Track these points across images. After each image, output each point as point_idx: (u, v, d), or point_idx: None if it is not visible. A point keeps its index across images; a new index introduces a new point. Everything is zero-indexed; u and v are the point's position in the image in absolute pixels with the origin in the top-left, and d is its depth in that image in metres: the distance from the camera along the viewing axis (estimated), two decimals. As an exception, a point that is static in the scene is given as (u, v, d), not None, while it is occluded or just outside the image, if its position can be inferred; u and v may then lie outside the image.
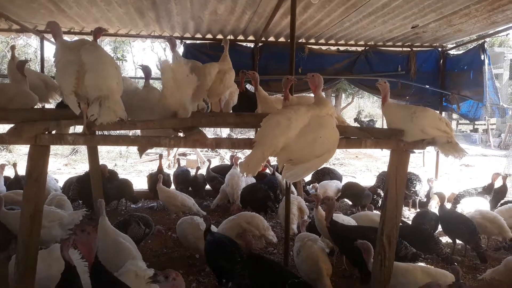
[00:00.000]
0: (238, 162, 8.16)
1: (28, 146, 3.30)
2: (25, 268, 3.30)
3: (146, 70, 5.16)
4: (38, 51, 11.96)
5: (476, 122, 20.30)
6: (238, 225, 5.30)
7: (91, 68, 3.06)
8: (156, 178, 7.36)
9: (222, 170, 8.63)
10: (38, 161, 3.32)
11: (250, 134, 16.05)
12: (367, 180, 10.74)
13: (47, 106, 5.86)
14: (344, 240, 4.42)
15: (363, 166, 14.91)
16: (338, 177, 8.81)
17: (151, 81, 4.83)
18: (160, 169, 8.01)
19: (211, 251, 4.38)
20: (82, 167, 12.69)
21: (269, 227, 5.61)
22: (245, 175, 6.23)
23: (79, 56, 3.08)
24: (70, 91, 3.07)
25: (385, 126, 4.06)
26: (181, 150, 14.11)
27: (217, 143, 3.54)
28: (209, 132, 16.47)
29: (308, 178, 8.64)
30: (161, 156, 8.73)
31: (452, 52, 9.37)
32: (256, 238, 5.38)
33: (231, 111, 5.75)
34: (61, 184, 8.04)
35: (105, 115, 3.01)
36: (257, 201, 6.68)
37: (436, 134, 3.45)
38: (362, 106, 32.34)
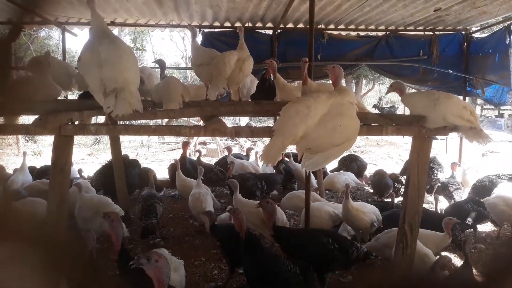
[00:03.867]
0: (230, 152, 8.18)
1: (53, 136, 3.38)
2: (52, 257, 3.41)
3: (160, 63, 5.30)
4: (60, 42, 12.15)
5: (502, 107, 19.78)
6: (259, 212, 5.32)
7: (107, 61, 3.13)
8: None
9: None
10: (62, 151, 3.40)
11: (269, 122, 16.03)
12: (388, 167, 10.61)
13: (70, 96, 5.98)
14: (293, 245, 4.08)
15: (384, 153, 14.74)
16: (364, 165, 8.71)
17: (170, 71, 4.88)
18: (184, 156, 7.95)
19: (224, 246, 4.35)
20: (104, 156, 12.93)
21: (287, 222, 5.54)
22: (265, 164, 6.23)
23: (99, 55, 3.14)
24: (98, 90, 3.14)
25: (406, 112, 4.01)
26: (201, 139, 14.22)
27: (237, 132, 3.56)
28: (228, 121, 16.53)
29: (334, 165, 8.55)
30: (186, 143, 8.56)
31: (476, 35, 9.09)
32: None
33: (250, 99, 5.76)
34: (85, 174, 8.23)
35: (121, 107, 3.06)
36: (246, 189, 6.68)
37: (459, 123, 3.38)
38: (383, 92, 31.83)
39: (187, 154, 8.29)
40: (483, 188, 6.85)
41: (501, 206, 5.63)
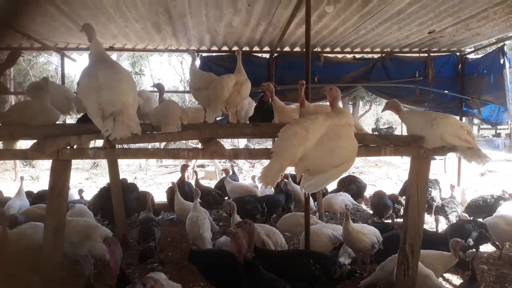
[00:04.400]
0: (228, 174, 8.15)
1: (51, 161, 3.37)
2: (49, 281, 3.35)
3: (159, 87, 5.37)
4: (58, 68, 12.27)
5: (499, 127, 19.89)
6: (258, 235, 5.27)
7: (106, 85, 3.15)
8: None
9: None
10: (60, 175, 3.38)
11: (268, 144, 16.05)
12: (387, 188, 10.59)
13: (68, 120, 5.99)
14: (274, 267, 3.94)
15: (383, 174, 14.72)
16: (363, 186, 8.69)
17: (169, 94, 4.92)
18: (182, 179, 7.87)
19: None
20: (102, 180, 12.88)
21: (286, 245, 5.47)
22: (264, 186, 6.20)
23: (97, 79, 3.16)
24: (96, 114, 3.16)
25: (404, 133, 4.02)
26: (200, 161, 14.21)
27: (235, 154, 3.55)
28: (227, 143, 16.55)
29: (333, 186, 8.52)
30: (184, 166, 8.38)
31: (470, 56, 9.22)
32: None
33: (248, 121, 5.78)
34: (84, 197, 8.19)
35: (119, 130, 3.06)
36: (246, 213, 6.62)
37: (457, 143, 3.39)
38: (380, 113, 32.03)
39: (186, 177, 8.24)
40: (476, 208, 6.93)
41: (502, 225, 5.61)
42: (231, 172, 9.01)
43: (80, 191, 8.22)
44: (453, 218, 6.59)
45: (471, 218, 6.45)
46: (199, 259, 4.36)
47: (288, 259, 4.10)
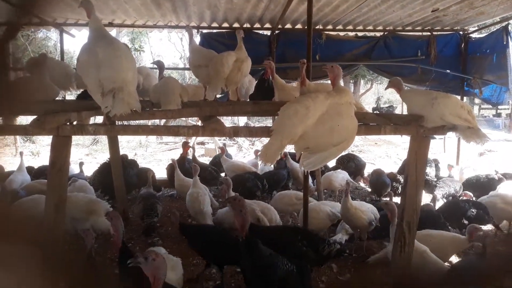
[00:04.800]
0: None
1: (51, 137, 3.38)
2: (51, 255, 3.41)
3: (159, 64, 5.34)
4: (57, 43, 12.15)
5: (499, 107, 19.83)
6: (253, 211, 5.31)
7: (105, 62, 3.14)
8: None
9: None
10: (60, 151, 3.40)
11: (268, 122, 16.04)
12: (386, 166, 10.64)
13: (68, 96, 5.98)
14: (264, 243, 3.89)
15: (382, 153, 14.76)
16: (362, 164, 8.73)
17: (168, 71, 4.91)
18: (183, 156, 7.96)
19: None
20: (103, 156, 12.91)
21: (280, 222, 5.55)
22: (263, 164, 6.22)
23: (97, 55, 3.14)
24: (96, 90, 3.16)
25: (404, 112, 4.02)
26: (200, 139, 14.22)
27: (235, 132, 3.56)
28: (227, 121, 16.54)
29: (332, 164, 8.57)
30: (186, 144, 8.46)
31: (474, 35, 9.12)
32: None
33: (248, 99, 5.77)
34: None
35: (119, 107, 3.07)
36: (246, 190, 6.68)
37: (457, 122, 3.39)
38: (381, 92, 31.88)
39: (187, 154, 8.28)
40: (470, 187, 7.06)
41: (499, 204, 5.73)
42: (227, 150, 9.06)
43: (81, 164, 8.27)
44: (438, 194, 6.68)
45: (473, 197, 6.53)
46: (188, 232, 4.49)
47: (276, 236, 4.12)
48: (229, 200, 4.02)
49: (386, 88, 4.06)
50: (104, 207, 5.12)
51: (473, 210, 5.58)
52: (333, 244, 4.18)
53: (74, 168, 8.28)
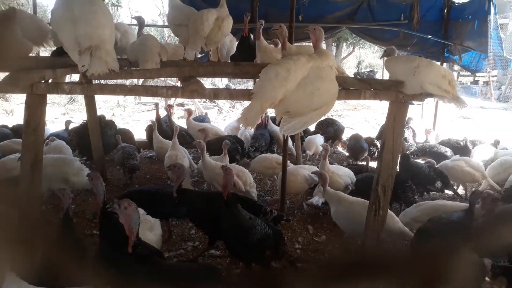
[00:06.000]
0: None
1: (25, 95, 3.28)
2: (28, 215, 3.38)
3: (139, 20, 5.14)
4: (29, -5, 11.57)
5: (477, 74, 20.05)
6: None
7: (81, 18, 3.04)
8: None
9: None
10: (35, 110, 3.31)
11: (249, 84, 15.90)
12: (365, 131, 10.78)
13: (42, 53, 5.75)
14: (195, 208, 4.06)
15: (361, 118, 14.91)
16: (341, 129, 8.81)
17: (147, 28, 4.74)
18: (157, 118, 7.93)
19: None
20: (79, 116, 12.65)
21: (254, 185, 5.58)
22: (244, 128, 6.18)
23: (72, 11, 3.02)
24: (73, 48, 3.05)
25: (385, 77, 4.03)
26: (179, 100, 14.04)
27: (215, 94, 3.52)
28: (207, 82, 16.31)
29: (312, 128, 8.61)
30: (157, 105, 8.48)
31: (457, 0, 9.07)
32: (236, 192, 5.01)
33: (229, 60, 5.67)
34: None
35: (96, 66, 2.99)
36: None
37: (435, 92, 3.40)
38: (363, 56, 31.80)
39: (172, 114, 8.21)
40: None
41: (465, 167, 6.06)
42: (196, 114, 8.98)
43: (68, 122, 8.04)
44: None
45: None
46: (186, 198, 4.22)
47: (208, 201, 4.07)
48: (170, 168, 4.09)
49: (381, 57, 4.06)
50: (78, 165, 5.14)
51: (433, 174, 5.82)
52: (269, 212, 4.20)
53: (50, 128, 8.10)
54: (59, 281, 2.56)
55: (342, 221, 4.37)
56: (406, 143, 7.50)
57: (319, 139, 7.59)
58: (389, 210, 4.29)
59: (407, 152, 6.44)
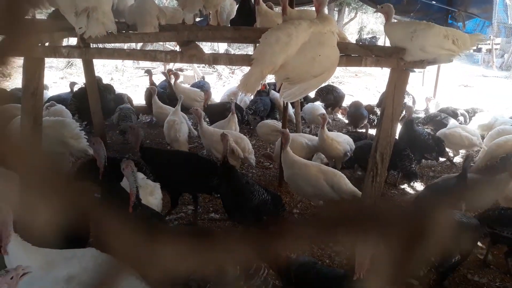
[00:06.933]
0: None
1: (22, 58, 3.24)
2: (30, 178, 3.41)
3: None
4: (23, -46, 11.20)
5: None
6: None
7: None
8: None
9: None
10: (33, 74, 3.28)
11: (249, 50, 15.68)
12: (365, 98, 10.73)
13: (38, 15, 5.63)
14: (158, 165, 4.20)
15: (362, 85, 14.79)
16: (341, 96, 8.77)
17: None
18: (151, 84, 7.93)
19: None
20: (78, 80, 12.51)
21: (253, 151, 5.63)
22: (243, 94, 6.16)
23: None
24: (69, 10, 2.99)
25: (387, 44, 3.97)
26: (178, 65, 13.87)
27: (214, 59, 3.48)
28: (206, 47, 16.06)
29: (312, 95, 8.56)
30: (149, 72, 8.42)
31: (463, -36, 8.82)
32: (235, 159, 5.20)
33: (229, 24, 5.57)
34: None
35: (93, 28, 2.94)
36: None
37: (439, 53, 3.35)
38: (365, 22, 31.16)
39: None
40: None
41: (462, 133, 6.21)
42: (182, 78, 8.93)
43: (72, 84, 7.93)
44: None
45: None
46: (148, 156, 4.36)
47: (170, 159, 4.32)
48: (130, 127, 4.46)
49: (375, 12, 3.95)
50: (75, 129, 5.14)
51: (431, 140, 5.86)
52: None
53: (48, 93, 8.04)
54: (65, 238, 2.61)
55: (296, 184, 4.49)
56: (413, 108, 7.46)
57: (316, 107, 7.54)
58: (340, 172, 4.49)
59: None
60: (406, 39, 3.32)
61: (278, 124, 6.40)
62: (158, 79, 9.11)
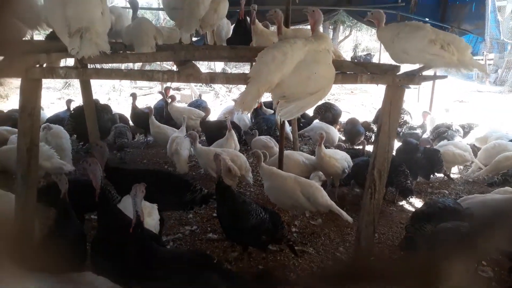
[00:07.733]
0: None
1: (20, 79, 3.25)
2: (25, 202, 3.38)
3: (133, 3, 5.10)
4: (21, -22, 11.33)
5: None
6: (223, 160, 5.36)
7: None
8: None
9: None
10: (30, 95, 3.28)
11: (245, 68, 15.80)
12: (362, 115, 10.79)
13: (35, 36, 5.67)
14: (124, 184, 3.85)
15: (358, 102, 14.88)
16: (339, 113, 8.80)
17: (142, 11, 4.67)
18: (134, 107, 7.89)
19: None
20: (75, 100, 12.55)
21: (250, 169, 5.65)
22: (240, 113, 6.21)
23: None
24: (63, 30, 3.01)
25: (382, 61, 4.00)
26: (175, 84, 13.94)
27: (211, 78, 3.49)
28: (203, 66, 16.18)
29: (310, 113, 8.60)
30: (134, 95, 8.31)
31: (455, -18, 9.00)
32: (232, 177, 5.19)
33: (226, 43, 5.63)
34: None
35: (86, 48, 2.92)
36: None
37: (426, 58, 3.25)
38: (360, 40, 31.52)
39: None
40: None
41: (455, 151, 6.32)
42: (178, 98, 8.99)
43: (69, 102, 7.94)
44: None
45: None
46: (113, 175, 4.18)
47: (136, 178, 4.06)
48: (93, 146, 4.28)
49: (365, 19, 3.94)
50: (45, 151, 5.12)
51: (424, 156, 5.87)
52: (197, 191, 4.16)
53: (46, 113, 8.04)
54: (57, 267, 2.57)
55: (275, 195, 4.59)
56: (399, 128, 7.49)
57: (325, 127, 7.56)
58: (318, 186, 4.52)
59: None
60: (389, 42, 3.34)
61: (270, 141, 6.47)
62: (155, 98, 9.15)
